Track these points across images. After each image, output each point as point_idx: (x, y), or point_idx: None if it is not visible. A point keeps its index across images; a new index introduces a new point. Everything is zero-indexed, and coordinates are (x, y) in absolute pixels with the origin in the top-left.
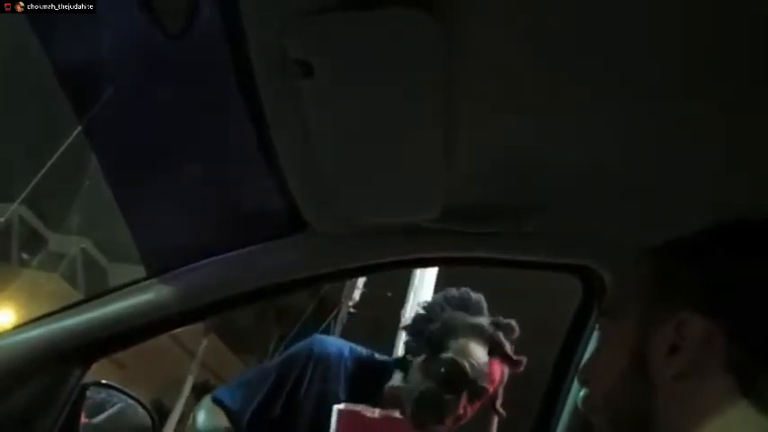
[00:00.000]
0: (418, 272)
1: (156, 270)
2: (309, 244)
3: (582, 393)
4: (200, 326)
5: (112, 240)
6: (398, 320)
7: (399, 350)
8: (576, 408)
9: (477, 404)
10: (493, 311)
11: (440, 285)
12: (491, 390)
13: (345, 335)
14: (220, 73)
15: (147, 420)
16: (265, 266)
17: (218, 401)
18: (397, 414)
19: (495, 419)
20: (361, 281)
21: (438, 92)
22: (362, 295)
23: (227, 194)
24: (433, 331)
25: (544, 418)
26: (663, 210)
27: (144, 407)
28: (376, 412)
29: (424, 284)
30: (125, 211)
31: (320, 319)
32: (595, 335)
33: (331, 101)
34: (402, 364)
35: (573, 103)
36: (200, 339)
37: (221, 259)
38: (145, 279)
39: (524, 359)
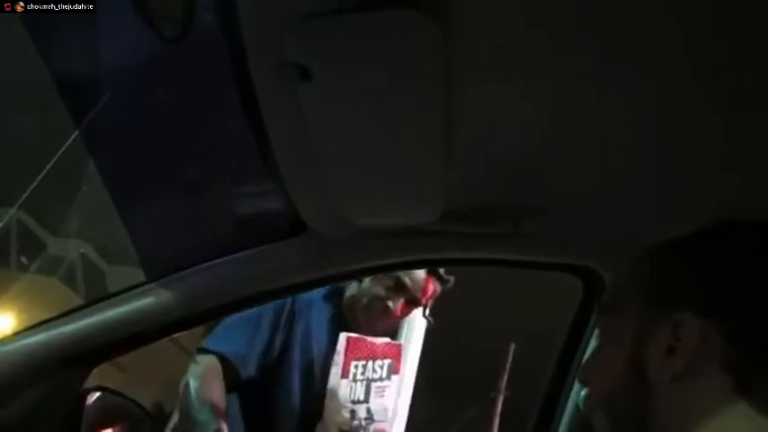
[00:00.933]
0: None
1: (156, 274)
2: (309, 246)
3: (583, 393)
4: (200, 329)
5: (111, 244)
6: None
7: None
8: (576, 408)
9: (412, 309)
10: (495, 308)
11: None
12: (423, 300)
13: None
14: (218, 76)
15: (148, 424)
16: (266, 269)
17: (219, 355)
18: (398, 342)
19: (497, 420)
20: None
21: (436, 93)
22: None
23: (226, 198)
24: None
25: (545, 418)
26: (662, 210)
27: (144, 411)
28: (377, 340)
29: None
30: (124, 215)
31: None
32: (596, 335)
33: (329, 104)
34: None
35: (572, 104)
36: (200, 342)
37: (221, 263)
38: (145, 283)
39: (452, 278)
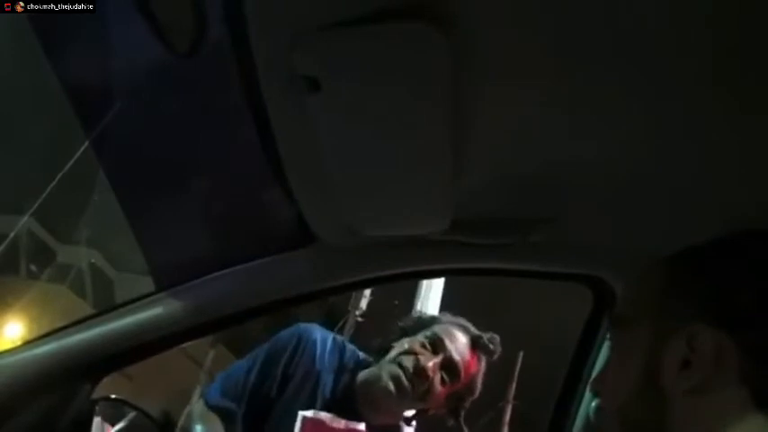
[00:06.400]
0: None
1: (166, 284)
2: (318, 256)
3: (594, 404)
4: (207, 338)
5: (119, 252)
6: None
7: None
8: (587, 419)
9: (448, 388)
10: (499, 315)
11: (447, 291)
12: (463, 374)
13: (353, 343)
14: (230, 88)
15: None
16: (275, 279)
17: (211, 407)
18: (361, 426)
19: (506, 429)
20: (368, 290)
21: (444, 104)
22: (370, 304)
23: (236, 208)
24: (422, 318)
25: (555, 429)
26: (674, 220)
27: (151, 419)
28: (342, 423)
29: (431, 291)
30: (135, 224)
31: (328, 328)
32: (606, 345)
33: (338, 115)
34: (380, 353)
35: (582, 115)
36: (207, 350)
37: (231, 272)
38: (154, 293)
39: (499, 348)
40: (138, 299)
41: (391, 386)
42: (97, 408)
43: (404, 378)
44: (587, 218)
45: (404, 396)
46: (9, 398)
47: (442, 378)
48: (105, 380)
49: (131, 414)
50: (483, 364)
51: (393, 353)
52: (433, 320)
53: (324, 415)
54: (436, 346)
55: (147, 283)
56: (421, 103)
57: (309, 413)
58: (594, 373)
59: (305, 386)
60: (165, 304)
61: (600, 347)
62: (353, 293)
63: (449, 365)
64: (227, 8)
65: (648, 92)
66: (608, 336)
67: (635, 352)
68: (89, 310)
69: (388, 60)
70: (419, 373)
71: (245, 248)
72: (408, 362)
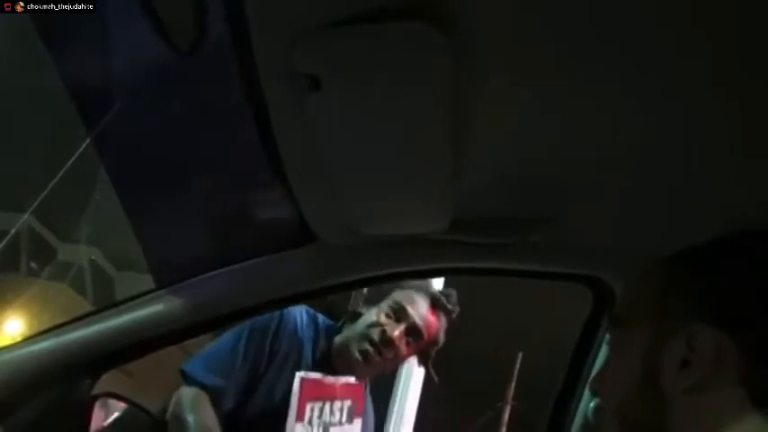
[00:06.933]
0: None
1: (166, 281)
2: (319, 255)
3: (592, 404)
4: (207, 335)
5: (120, 250)
6: None
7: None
8: (586, 418)
9: (413, 347)
10: (499, 315)
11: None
12: (425, 335)
13: None
14: (230, 87)
15: (154, 429)
16: (274, 278)
17: (205, 386)
18: (352, 379)
19: (504, 430)
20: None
21: (445, 104)
22: None
23: (236, 207)
24: (385, 288)
25: (554, 427)
26: (674, 220)
27: (150, 416)
28: (332, 378)
29: None
30: (135, 222)
31: None
32: (606, 344)
33: (338, 114)
34: (350, 319)
35: (582, 115)
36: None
37: (230, 271)
38: (154, 291)
39: (457, 308)
40: (138, 296)
41: (360, 358)
42: (96, 404)
43: (371, 351)
44: (587, 218)
45: (371, 364)
46: (8, 394)
47: (407, 341)
48: (105, 376)
49: (126, 406)
50: (443, 319)
51: (361, 323)
52: (393, 287)
53: (316, 374)
54: (399, 314)
55: (148, 282)
56: (421, 103)
57: (303, 373)
58: (594, 373)
59: (289, 358)
60: (164, 302)
61: (600, 347)
62: (353, 293)
63: (413, 330)
64: (229, 7)
65: (648, 92)
66: (607, 336)
67: (634, 352)
68: (89, 308)
69: (388, 60)
70: (386, 343)
71: (245, 247)
72: (375, 334)
